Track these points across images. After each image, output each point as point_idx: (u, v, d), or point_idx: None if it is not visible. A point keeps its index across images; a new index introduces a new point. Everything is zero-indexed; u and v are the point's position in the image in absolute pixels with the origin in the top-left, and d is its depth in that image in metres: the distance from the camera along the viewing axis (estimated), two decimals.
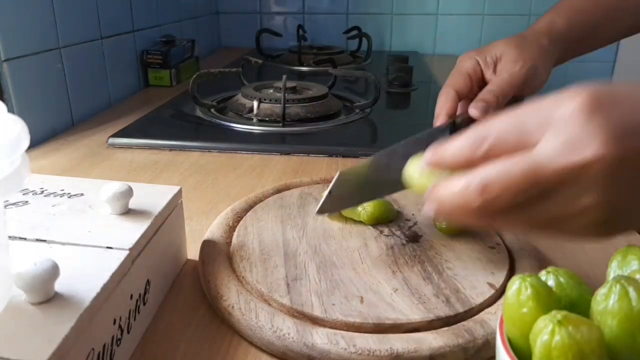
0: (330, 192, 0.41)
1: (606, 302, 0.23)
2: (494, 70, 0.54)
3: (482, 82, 0.55)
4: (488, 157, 0.30)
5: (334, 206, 0.43)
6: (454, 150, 0.32)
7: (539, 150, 0.29)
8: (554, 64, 0.57)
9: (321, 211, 0.42)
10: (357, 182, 0.42)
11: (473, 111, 0.50)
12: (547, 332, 0.22)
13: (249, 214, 0.50)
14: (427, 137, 0.46)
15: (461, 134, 0.32)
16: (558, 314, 0.22)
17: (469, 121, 0.51)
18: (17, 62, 0.70)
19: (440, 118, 0.52)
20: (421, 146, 0.40)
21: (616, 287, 0.23)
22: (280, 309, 0.37)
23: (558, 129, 0.28)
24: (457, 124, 0.51)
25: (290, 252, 0.43)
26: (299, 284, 0.39)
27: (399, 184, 0.39)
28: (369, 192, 0.43)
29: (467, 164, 0.31)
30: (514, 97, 0.53)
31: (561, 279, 0.26)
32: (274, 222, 0.48)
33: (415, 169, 0.36)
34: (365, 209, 0.47)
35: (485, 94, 0.51)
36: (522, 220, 0.30)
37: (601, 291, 0.24)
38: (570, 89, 0.29)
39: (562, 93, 0.29)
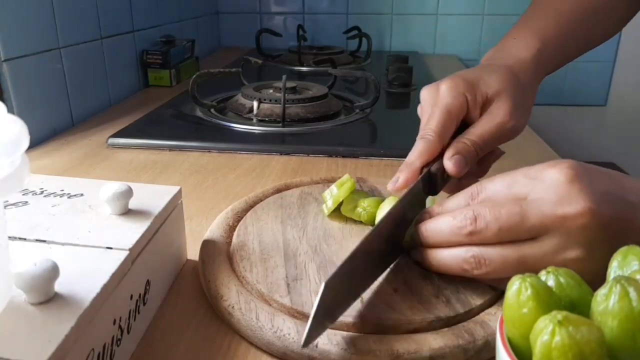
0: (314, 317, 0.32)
1: (606, 302, 0.23)
2: (481, 112, 0.47)
3: (463, 121, 0.47)
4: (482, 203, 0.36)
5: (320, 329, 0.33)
6: (452, 204, 0.38)
7: (529, 197, 0.34)
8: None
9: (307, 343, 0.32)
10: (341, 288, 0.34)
11: (449, 165, 0.43)
12: (547, 332, 0.22)
13: (249, 214, 0.50)
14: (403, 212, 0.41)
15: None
16: (558, 314, 0.22)
17: (442, 170, 0.44)
18: (17, 62, 0.70)
19: (410, 168, 0.45)
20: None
21: (616, 288, 0.23)
22: (281, 309, 0.37)
23: (546, 187, 0.33)
24: (432, 174, 0.44)
25: (290, 252, 0.43)
26: (299, 284, 0.39)
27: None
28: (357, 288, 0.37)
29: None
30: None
31: (561, 279, 0.26)
32: (274, 222, 0.48)
33: None
34: (366, 209, 0.47)
35: (466, 145, 0.44)
36: (508, 258, 0.34)
37: (601, 291, 0.24)
38: (552, 162, 0.34)
39: (546, 164, 0.34)
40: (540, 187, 0.33)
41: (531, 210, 0.33)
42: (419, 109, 0.51)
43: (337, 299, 0.34)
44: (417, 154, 0.45)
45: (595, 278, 0.27)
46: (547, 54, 0.52)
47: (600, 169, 0.34)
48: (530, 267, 0.29)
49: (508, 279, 0.26)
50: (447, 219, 0.36)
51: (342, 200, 0.48)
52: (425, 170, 0.44)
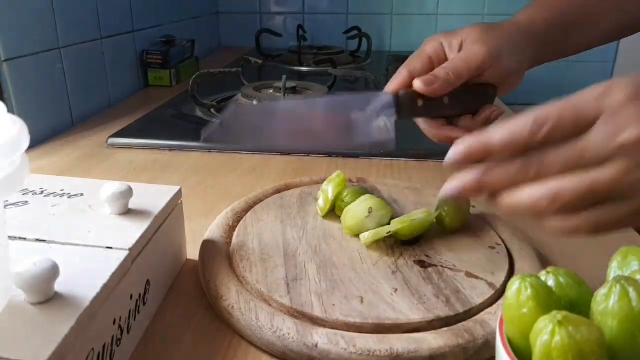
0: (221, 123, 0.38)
1: (606, 302, 0.23)
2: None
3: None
4: (546, 142, 0.31)
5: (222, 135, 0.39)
6: (507, 135, 0.32)
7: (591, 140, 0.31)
8: (528, 62, 0.53)
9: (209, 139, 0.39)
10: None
11: (418, 84, 0.45)
12: (547, 332, 0.22)
13: (249, 214, 0.50)
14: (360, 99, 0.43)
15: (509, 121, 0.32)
16: (558, 314, 0.22)
17: (413, 95, 0.45)
18: (17, 62, 0.70)
19: (387, 90, 0.47)
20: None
21: (616, 288, 0.23)
22: (281, 309, 0.37)
23: (610, 116, 0.31)
24: (400, 97, 0.45)
25: (290, 252, 0.43)
26: (299, 284, 0.39)
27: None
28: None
29: (523, 148, 0.32)
30: (479, 84, 0.49)
31: (561, 279, 0.26)
32: (274, 222, 0.48)
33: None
34: (344, 200, 0.47)
35: (437, 69, 0.47)
36: (581, 186, 0.31)
37: (601, 292, 0.24)
38: (615, 80, 0.32)
39: (609, 83, 0.32)
40: (604, 119, 0.31)
41: (594, 140, 0.31)
42: None
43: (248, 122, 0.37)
44: (386, 87, 0.48)
45: None
46: (538, 22, 0.53)
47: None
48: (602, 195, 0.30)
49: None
50: (521, 199, 0.32)
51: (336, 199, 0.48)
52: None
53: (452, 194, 0.34)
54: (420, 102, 0.45)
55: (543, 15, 0.54)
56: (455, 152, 0.34)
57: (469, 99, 0.48)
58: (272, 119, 0.39)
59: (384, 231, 0.43)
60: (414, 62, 0.49)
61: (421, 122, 0.50)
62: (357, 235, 0.45)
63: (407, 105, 0.45)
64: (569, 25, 0.57)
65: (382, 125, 0.45)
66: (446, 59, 0.49)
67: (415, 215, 0.44)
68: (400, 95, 0.45)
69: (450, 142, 0.43)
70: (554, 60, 0.57)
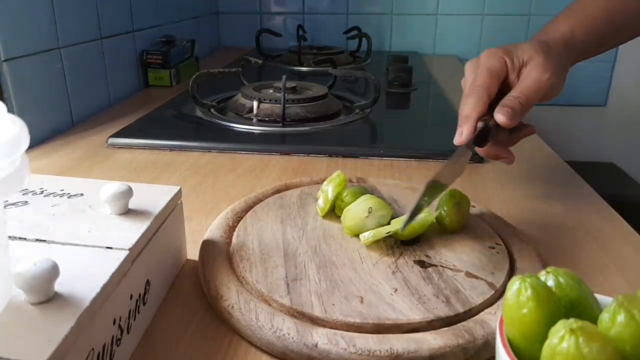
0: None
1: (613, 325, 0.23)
2: (518, 75, 0.51)
3: (504, 85, 0.52)
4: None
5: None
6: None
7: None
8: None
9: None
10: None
11: (500, 117, 0.47)
12: (557, 336, 0.22)
13: (248, 214, 0.50)
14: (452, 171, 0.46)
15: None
16: (575, 323, 0.22)
17: (496, 125, 0.48)
18: (17, 62, 0.70)
19: (469, 121, 0.49)
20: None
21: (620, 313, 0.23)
22: (280, 309, 0.37)
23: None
24: (486, 128, 0.48)
25: (290, 252, 0.43)
26: (298, 284, 0.39)
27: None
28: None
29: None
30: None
31: (561, 279, 0.26)
32: (273, 222, 0.48)
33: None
34: (344, 200, 0.48)
35: (512, 100, 0.49)
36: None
37: (605, 315, 0.23)
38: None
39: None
40: None
41: None
42: (462, 82, 0.55)
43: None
44: (471, 107, 0.49)
45: None
46: (578, 37, 0.56)
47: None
48: None
49: None
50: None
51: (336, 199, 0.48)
52: (480, 123, 0.48)
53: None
54: (494, 133, 0.49)
55: (583, 29, 0.56)
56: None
57: None
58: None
59: (383, 231, 0.43)
60: (489, 83, 0.50)
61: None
62: (357, 235, 0.45)
63: (490, 139, 0.49)
64: (605, 35, 0.59)
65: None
66: (507, 77, 0.51)
67: None
68: (487, 127, 0.48)
69: (497, 158, 0.50)
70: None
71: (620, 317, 0.22)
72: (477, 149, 0.51)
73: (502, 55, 0.51)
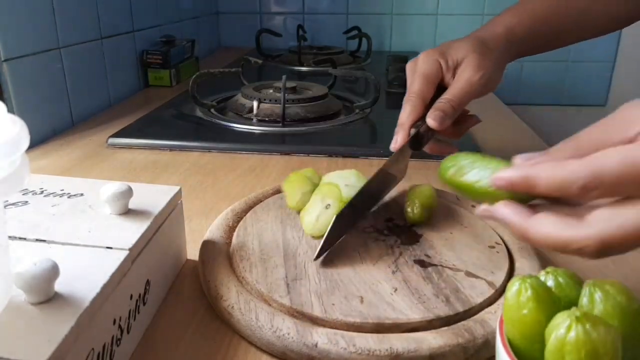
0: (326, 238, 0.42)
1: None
2: (453, 75, 0.53)
3: (440, 86, 0.54)
4: (597, 198, 0.28)
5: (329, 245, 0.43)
6: (554, 183, 0.29)
7: None
8: (506, 65, 0.56)
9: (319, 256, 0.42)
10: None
11: (431, 122, 0.49)
12: (564, 326, 0.22)
13: (248, 214, 0.50)
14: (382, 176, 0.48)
15: (556, 162, 0.30)
16: (577, 311, 0.22)
17: (429, 130, 0.50)
18: (17, 62, 0.70)
19: (403, 128, 0.51)
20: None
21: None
22: (280, 309, 0.37)
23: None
24: (420, 135, 0.50)
25: (290, 252, 0.43)
26: (298, 284, 0.39)
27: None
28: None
29: (565, 197, 0.29)
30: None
31: (560, 279, 0.26)
32: (273, 222, 0.48)
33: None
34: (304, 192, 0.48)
35: (444, 104, 0.50)
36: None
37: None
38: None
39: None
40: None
41: None
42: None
43: (337, 230, 0.43)
44: (405, 115, 0.52)
45: None
46: (519, 33, 0.57)
47: None
48: None
49: None
50: (562, 242, 0.28)
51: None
52: (413, 129, 0.51)
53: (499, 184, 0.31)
54: (430, 134, 0.52)
55: (524, 25, 0.57)
56: (500, 177, 0.31)
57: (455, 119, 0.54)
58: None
59: (325, 210, 0.45)
60: (424, 90, 0.52)
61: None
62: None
63: (425, 141, 0.52)
64: (549, 34, 0.60)
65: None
66: (443, 79, 0.54)
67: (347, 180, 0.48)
68: (420, 134, 0.51)
69: (441, 153, 0.50)
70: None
71: (598, 295, 0.24)
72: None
73: (437, 57, 0.53)
